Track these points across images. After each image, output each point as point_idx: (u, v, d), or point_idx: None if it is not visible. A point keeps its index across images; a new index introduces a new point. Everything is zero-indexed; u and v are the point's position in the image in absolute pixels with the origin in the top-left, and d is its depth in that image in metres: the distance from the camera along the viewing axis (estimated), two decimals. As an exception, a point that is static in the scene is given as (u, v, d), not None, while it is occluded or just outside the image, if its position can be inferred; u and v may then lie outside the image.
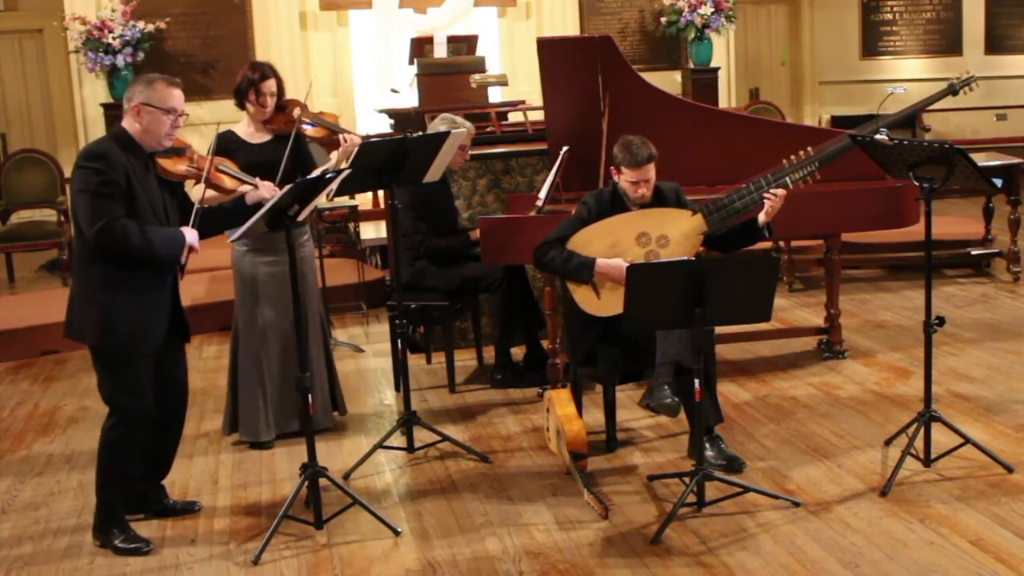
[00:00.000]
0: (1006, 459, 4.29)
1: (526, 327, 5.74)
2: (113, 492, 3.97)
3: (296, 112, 4.83)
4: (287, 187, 3.86)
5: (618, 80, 5.57)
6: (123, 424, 3.89)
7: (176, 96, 3.86)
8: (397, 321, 4.83)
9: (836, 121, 12.30)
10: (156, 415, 3.98)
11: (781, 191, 4.42)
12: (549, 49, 5.64)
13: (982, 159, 7.49)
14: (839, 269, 5.93)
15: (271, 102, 4.81)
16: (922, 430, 4.31)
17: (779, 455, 4.58)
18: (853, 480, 4.28)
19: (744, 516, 3.98)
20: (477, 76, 8.45)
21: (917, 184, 4.18)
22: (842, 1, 13.11)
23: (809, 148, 4.63)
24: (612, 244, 4.48)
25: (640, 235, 4.49)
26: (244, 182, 4.22)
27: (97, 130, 9.65)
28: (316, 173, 4.19)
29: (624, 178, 4.48)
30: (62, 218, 8.87)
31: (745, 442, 4.73)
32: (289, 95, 4.98)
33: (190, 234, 3.86)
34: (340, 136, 4.83)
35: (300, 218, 4.11)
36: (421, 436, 4.83)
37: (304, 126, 4.80)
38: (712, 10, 10.89)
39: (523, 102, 8.85)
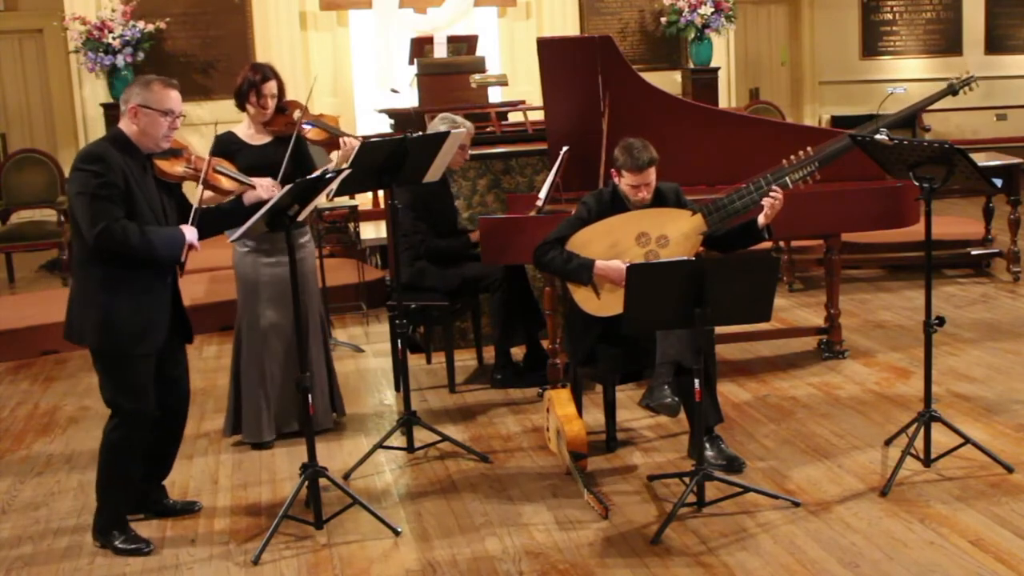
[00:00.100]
0: (1006, 459, 4.29)
1: (526, 327, 5.74)
2: (114, 493, 3.96)
3: (296, 114, 4.83)
4: (287, 187, 3.86)
5: (618, 80, 5.57)
6: (124, 426, 3.89)
7: (173, 97, 3.85)
8: (397, 321, 4.83)
9: (836, 121, 12.30)
10: (157, 416, 3.98)
11: (780, 192, 4.43)
12: (549, 49, 5.64)
13: (982, 159, 7.50)
14: (839, 269, 5.93)
15: (272, 104, 4.80)
16: (922, 430, 4.31)
17: (779, 455, 4.58)
18: (853, 480, 4.28)
19: (744, 516, 3.98)
20: (477, 76, 8.45)
21: (917, 184, 4.18)
22: (842, 1, 13.11)
23: (809, 148, 4.64)
24: (612, 244, 4.48)
25: (640, 235, 4.50)
26: (241, 183, 4.22)
27: (97, 130, 9.65)
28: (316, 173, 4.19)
29: (625, 181, 4.48)
30: (62, 218, 8.86)
31: (745, 442, 4.73)
32: (289, 95, 4.98)
33: (190, 232, 3.86)
34: (340, 139, 4.83)
35: (300, 218, 4.11)
36: (421, 436, 4.83)
37: (304, 126, 4.79)
38: (712, 10, 10.89)
39: (523, 102, 8.86)
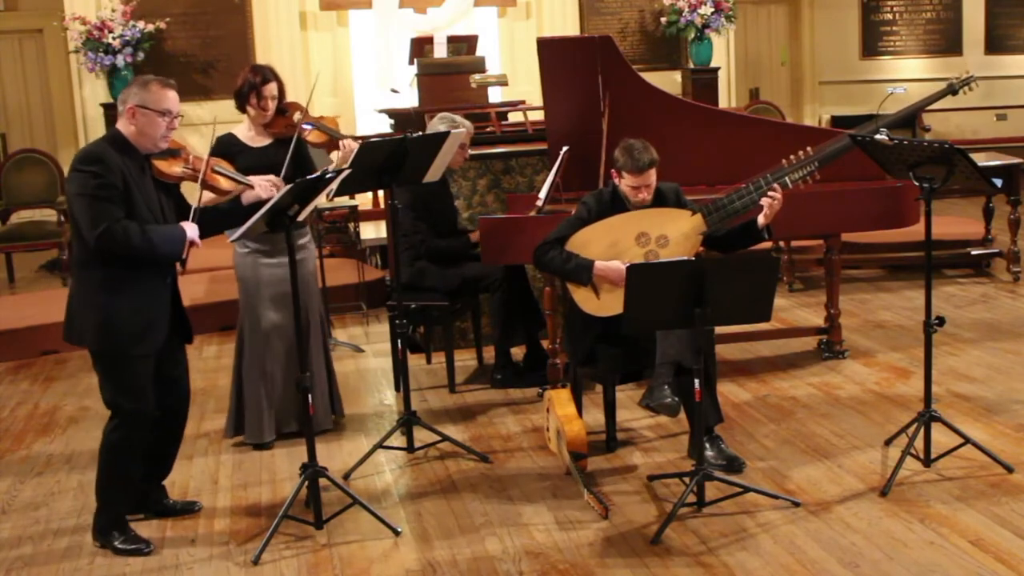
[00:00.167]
0: (1006, 459, 4.29)
1: (526, 327, 5.74)
2: (114, 494, 3.96)
3: (296, 116, 4.83)
4: (287, 187, 3.85)
5: (618, 80, 5.57)
6: (124, 426, 3.88)
7: (171, 98, 3.85)
8: (397, 321, 4.83)
9: (836, 121, 12.30)
10: (157, 416, 3.98)
11: (779, 192, 4.42)
12: (549, 49, 5.64)
13: (982, 159, 7.50)
14: (839, 269, 5.93)
15: (272, 106, 4.80)
16: (922, 430, 4.31)
17: (779, 455, 4.58)
18: (853, 480, 4.28)
19: (744, 516, 3.98)
20: (477, 76, 8.46)
21: (917, 184, 4.18)
22: (842, 1, 13.11)
23: (809, 148, 4.63)
24: (612, 244, 4.48)
25: (640, 235, 4.50)
26: (240, 183, 4.21)
27: (97, 130, 9.66)
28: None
29: (625, 183, 4.48)
30: (62, 218, 8.87)
31: (745, 442, 4.73)
32: (289, 95, 4.97)
33: (190, 228, 3.85)
34: (340, 141, 4.83)
35: (300, 218, 4.11)
36: (421, 436, 4.83)
37: (304, 126, 4.79)
38: (712, 10, 10.90)
39: (523, 102, 8.86)
